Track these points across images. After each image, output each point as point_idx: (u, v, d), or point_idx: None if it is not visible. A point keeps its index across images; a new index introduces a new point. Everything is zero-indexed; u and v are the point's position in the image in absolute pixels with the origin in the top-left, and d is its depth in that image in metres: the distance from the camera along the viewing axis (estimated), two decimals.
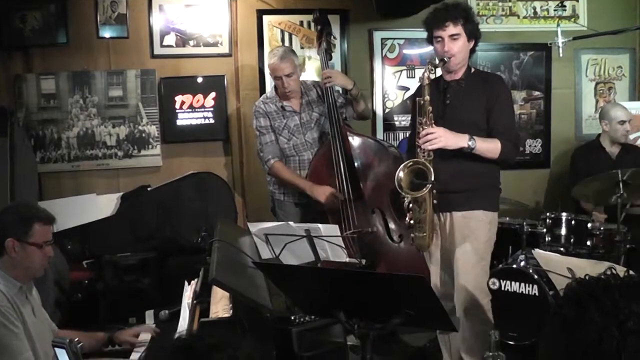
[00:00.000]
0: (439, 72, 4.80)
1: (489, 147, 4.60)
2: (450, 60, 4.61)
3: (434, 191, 4.50)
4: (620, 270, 1.55)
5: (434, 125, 4.51)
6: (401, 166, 4.51)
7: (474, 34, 4.71)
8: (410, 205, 4.58)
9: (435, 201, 4.56)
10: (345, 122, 6.01)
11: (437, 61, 4.61)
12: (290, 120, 6.00)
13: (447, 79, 4.78)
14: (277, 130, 5.99)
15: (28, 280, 3.78)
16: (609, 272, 1.51)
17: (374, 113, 7.18)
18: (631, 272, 1.59)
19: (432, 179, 4.39)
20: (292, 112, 6.02)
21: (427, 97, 4.51)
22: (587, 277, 1.52)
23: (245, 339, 1.43)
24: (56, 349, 3.20)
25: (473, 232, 4.71)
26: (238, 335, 1.45)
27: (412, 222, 4.62)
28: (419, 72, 7.15)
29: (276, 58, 5.90)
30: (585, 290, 1.48)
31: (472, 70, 4.85)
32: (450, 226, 4.75)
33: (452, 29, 4.59)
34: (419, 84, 4.64)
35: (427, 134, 4.47)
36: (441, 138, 4.47)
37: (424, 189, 4.42)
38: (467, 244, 4.70)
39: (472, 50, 4.78)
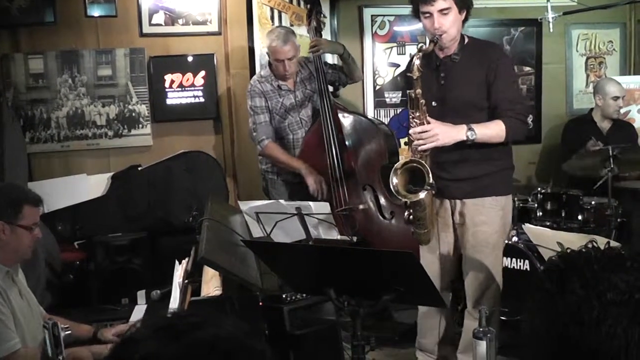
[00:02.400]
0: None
1: (492, 132, 4.31)
2: (442, 38, 4.26)
3: (434, 184, 4.18)
4: (602, 242, 1.55)
5: (428, 119, 4.21)
6: (393, 169, 4.23)
7: (465, 4, 4.33)
8: (409, 202, 4.29)
9: (433, 191, 4.27)
10: (336, 101, 6.00)
11: (426, 45, 4.28)
12: (286, 99, 5.98)
13: (440, 55, 4.44)
14: (273, 110, 5.96)
15: (15, 263, 3.76)
16: (590, 245, 1.51)
17: (365, 91, 7.15)
18: (612, 243, 1.60)
19: (431, 181, 4.11)
20: (288, 91, 6.00)
21: (419, 91, 4.16)
22: (568, 250, 1.52)
23: (230, 318, 1.42)
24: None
25: (484, 220, 4.48)
26: (222, 314, 1.43)
27: (411, 217, 4.35)
28: (409, 49, 7.13)
29: (279, 41, 5.82)
30: (566, 263, 1.48)
31: (467, 40, 4.49)
32: (460, 215, 4.53)
33: (441, 3, 4.21)
34: (409, 74, 4.21)
35: (421, 132, 4.19)
36: (437, 136, 4.17)
37: (421, 194, 4.16)
38: (479, 234, 4.49)
39: (465, 20, 4.41)
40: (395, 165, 4.26)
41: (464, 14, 4.37)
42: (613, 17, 7.60)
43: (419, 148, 4.21)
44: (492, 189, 4.49)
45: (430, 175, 4.11)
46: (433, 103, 4.35)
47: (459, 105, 4.39)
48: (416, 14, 4.41)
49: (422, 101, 4.20)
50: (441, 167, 4.36)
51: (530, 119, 7.54)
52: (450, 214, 4.57)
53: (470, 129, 4.24)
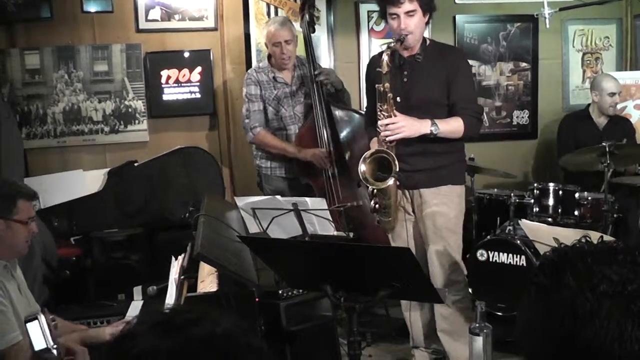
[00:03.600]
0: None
1: (452, 128, 4.58)
2: (407, 38, 4.53)
3: (401, 174, 4.49)
4: (596, 237, 1.56)
5: (395, 112, 4.48)
6: (362, 158, 4.51)
7: (429, 7, 4.62)
8: (375, 191, 4.57)
9: (398, 182, 4.56)
10: (330, 97, 5.99)
11: (394, 43, 4.55)
12: (280, 91, 5.99)
13: (404, 54, 4.71)
14: (266, 100, 5.98)
15: (12, 258, 3.75)
16: (583, 240, 1.52)
17: (361, 86, 7.14)
18: (606, 238, 1.61)
19: (397, 169, 4.39)
20: (284, 84, 6.01)
21: (388, 84, 4.45)
22: (562, 246, 1.53)
23: (226, 314, 1.42)
24: (28, 325, 3.19)
25: (442, 207, 4.72)
26: (219, 310, 1.44)
27: (377, 206, 4.62)
28: None
29: (276, 24, 5.89)
30: (560, 257, 1.49)
31: (428, 42, 4.78)
32: (419, 203, 4.76)
33: (407, 5, 4.49)
34: (378, 69, 4.50)
35: (389, 125, 4.46)
36: (403, 129, 4.45)
37: (388, 182, 4.44)
38: (438, 219, 4.72)
39: (427, 23, 4.71)
40: (364, 155, 4.53)
41: (427, 17, 4.66)
42: (609, 13, 7.61)
43: (387, 139, 4.48)
44: (448, 179, 4.76)
45: (397, 164, 4.39)
46: (397, 99, 4.59)
47: (420, 102, 4.65)
48: (383, 15, 4.71)
49: (390, 95, 4.47)
50: (401, 159, 4.56)
51: (526, 115, 7.59)
52: (410, 203, 4.81)
53: (434, 123, 4.52)
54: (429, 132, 4.49)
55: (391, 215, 4.68)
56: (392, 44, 4.55)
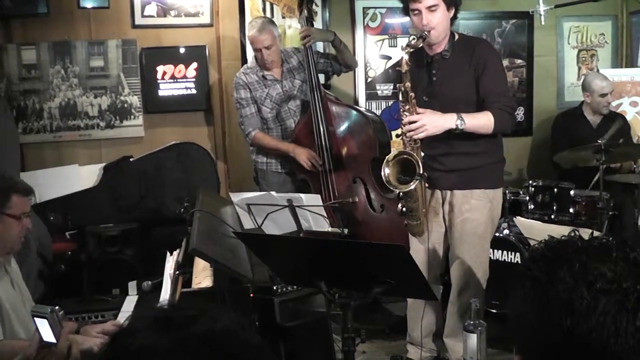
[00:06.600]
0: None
1: (480, 122, 4.41)
2: (430, 34, 4.38)
3: (426, 175, 4.34)
4: (584, 233, 1.58)
5: (417, 111, 4.33)
6: (385, 160, 4.36)
7: (453, 2, 4.45)
8: (401, 194, 4.44)
9: (427, 184, 4.47)
10: (326, 92, 6.00)
11: (415, 40, 4.37)
12: (272, 89, 5.98)
13: (430, 52, 4.57)
14: (259, 100, 5.97)
15: (5, 254, 3.71)
16: (572, 234, 1.54)
17: (356, 83, 7.17)
18: (595, 233, 1.62)
19: (421, 171, 4.23)
20: (274, 81, 6.00)
21: (408, 84, 4.29)
22: (552, 238, 1.55)
23: (225, 310, 1.42)
24: (36, 319, 3.18)
25: (472, 211, 4.59)
26: (218, 306, 1.44)
27: (404, 209, 4.49)
28: (401, 41, 7.13)
29: (255, 30, 5.86)
30: (553, 251, 1.51)
31: (456, 37, 4.63)
32: (450, 204, 4.65)
33: (429, 0, 4.35)
34: (398, 68, 4.37)
35: (411, 123, 4.31)
36: (426, 127, 4.29)
37: (411, 184, 4.27)
38: (467, 224, 4.61)
39: (454, 18, 4.55)
40: (387, 157, 4.37)
41: (452, 12, 4.50)
42: (604, 10, 7.61)
43: (412, 138, 4.32)
44: (481, 182, 4.60)
45: (421, 165, 4.22)
46: (424, 98, 4.47)
47: (449, 100, 4.49)
48: (406, 12, 4.53)
49: (412, 94, 4.31)
50: (434, 159, 4.50)
51: (521, 112, 7.59)
52: (441, 204, 4.69)
53: (459, 117, 4.34)
54: (454, 126, 4.33)
55: (419, 218, 4.54)
56: (413, 41, 4.39)
